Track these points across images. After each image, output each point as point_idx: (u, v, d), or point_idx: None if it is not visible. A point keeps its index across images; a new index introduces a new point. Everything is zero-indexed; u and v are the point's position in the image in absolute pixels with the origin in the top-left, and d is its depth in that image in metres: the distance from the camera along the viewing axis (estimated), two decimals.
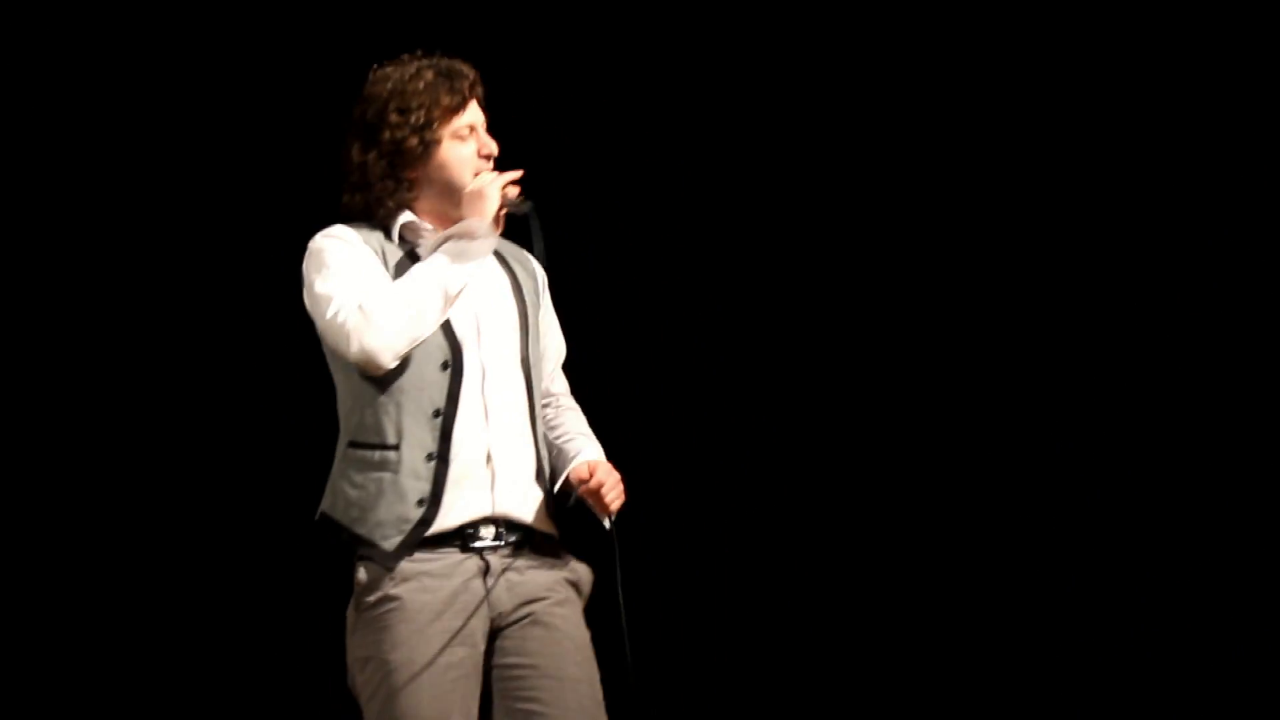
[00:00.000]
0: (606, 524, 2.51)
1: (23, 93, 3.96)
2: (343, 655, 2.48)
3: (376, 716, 2.40)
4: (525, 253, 2.63)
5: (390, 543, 2.41)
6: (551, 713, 2.40)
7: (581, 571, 2.55)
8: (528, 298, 2.58)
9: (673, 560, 4.00)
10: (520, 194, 2.49)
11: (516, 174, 2.50)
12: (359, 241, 2.48)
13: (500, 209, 2.46)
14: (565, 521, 2.56)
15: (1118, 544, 3.98)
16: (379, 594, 2.41)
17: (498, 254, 2.58)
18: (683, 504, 4.03)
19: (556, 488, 2.54)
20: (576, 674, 2.44)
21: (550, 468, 2.56)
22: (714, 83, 4.12)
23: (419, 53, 2.55)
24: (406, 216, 2.51)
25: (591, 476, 2.48)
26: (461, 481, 2.43)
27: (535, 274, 2.64)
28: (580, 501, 2.53)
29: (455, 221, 2.47)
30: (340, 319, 2.39)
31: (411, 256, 2.48)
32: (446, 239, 2.44)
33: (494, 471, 2.45)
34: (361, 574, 2.43)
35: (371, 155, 2.49)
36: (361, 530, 2.43)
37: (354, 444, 2.47)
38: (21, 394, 3.98)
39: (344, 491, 2.46)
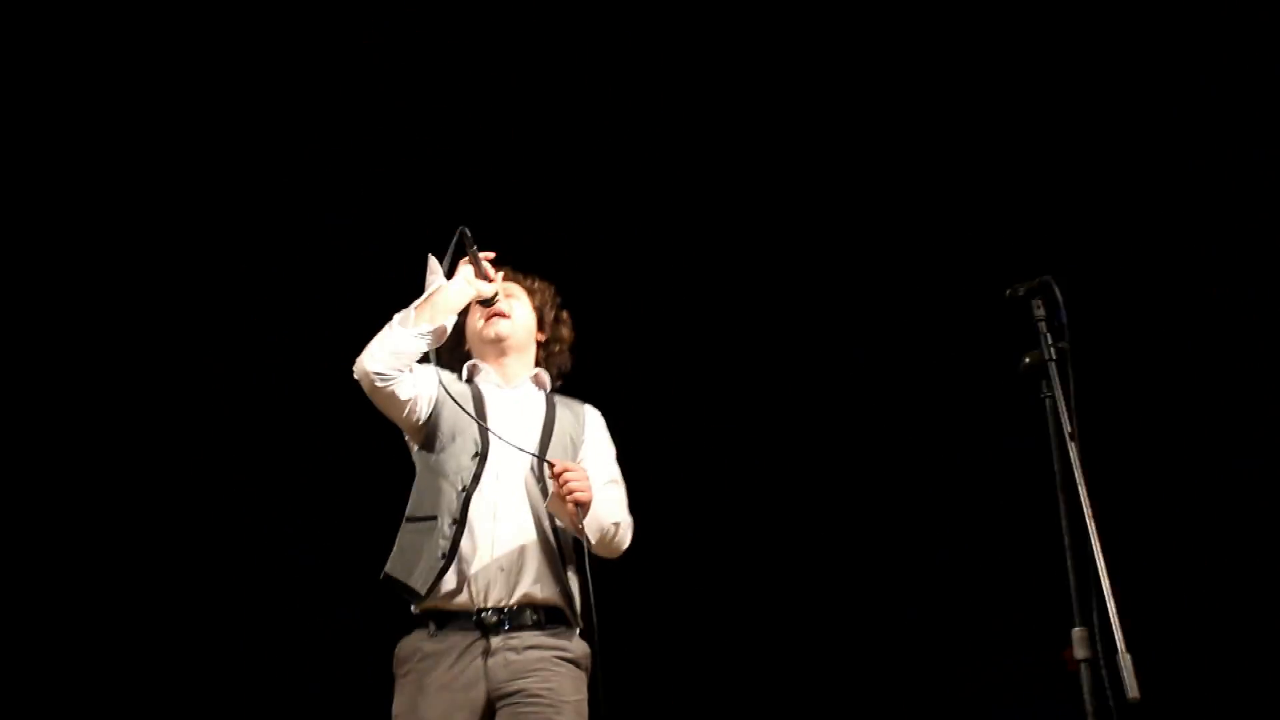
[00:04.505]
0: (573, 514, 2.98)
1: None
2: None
3: None
4: (581, 405, 3.28)
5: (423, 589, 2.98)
6: None
7: (577, 647, 3.03)
8: (555, 431, 3.17)
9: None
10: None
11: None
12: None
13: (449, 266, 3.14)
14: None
15: None
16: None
17: (549, 399, 3.25)
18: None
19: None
20: None
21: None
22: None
23: None
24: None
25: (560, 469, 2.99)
26: (470, 559, 2.97)
27: (582, 418, 3.26)
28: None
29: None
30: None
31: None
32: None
33: (497, 558, 2.99)
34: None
35: None
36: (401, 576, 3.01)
37: (407, 518, 3.08)
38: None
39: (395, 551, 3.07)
